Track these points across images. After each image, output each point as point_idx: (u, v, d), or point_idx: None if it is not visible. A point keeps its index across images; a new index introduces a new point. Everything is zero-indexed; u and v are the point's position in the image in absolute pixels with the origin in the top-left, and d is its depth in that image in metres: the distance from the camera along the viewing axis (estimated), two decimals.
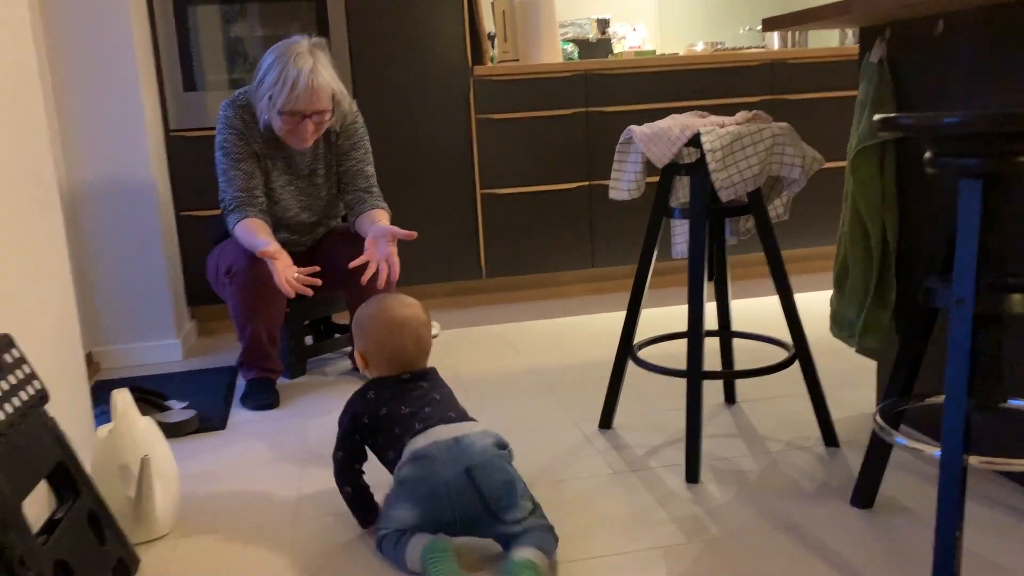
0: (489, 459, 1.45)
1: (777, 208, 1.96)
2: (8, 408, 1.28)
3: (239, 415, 2.32)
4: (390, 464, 1.54)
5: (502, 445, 1.51)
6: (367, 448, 1.60)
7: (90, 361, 2.80)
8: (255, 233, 2.23)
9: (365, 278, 2.08)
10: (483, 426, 1.53)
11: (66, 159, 2.74)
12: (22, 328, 1.51)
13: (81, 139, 2.74)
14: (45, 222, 1.69)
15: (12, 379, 1.33)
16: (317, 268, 2.12)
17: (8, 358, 1.35)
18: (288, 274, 2.07)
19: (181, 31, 3.01)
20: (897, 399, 1.53)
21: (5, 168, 1.51)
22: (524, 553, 1.37)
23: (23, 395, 1.34)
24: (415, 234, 2.10)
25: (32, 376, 1.40)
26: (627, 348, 1.98)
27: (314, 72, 2.23)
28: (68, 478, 1.42)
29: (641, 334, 2.88)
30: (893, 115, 1.30)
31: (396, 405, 1.56)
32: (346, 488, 1.60)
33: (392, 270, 2.14)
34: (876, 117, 1.34)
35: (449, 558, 1.38)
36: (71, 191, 2.76)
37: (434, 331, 3.03)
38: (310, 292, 2.06)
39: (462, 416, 1.55)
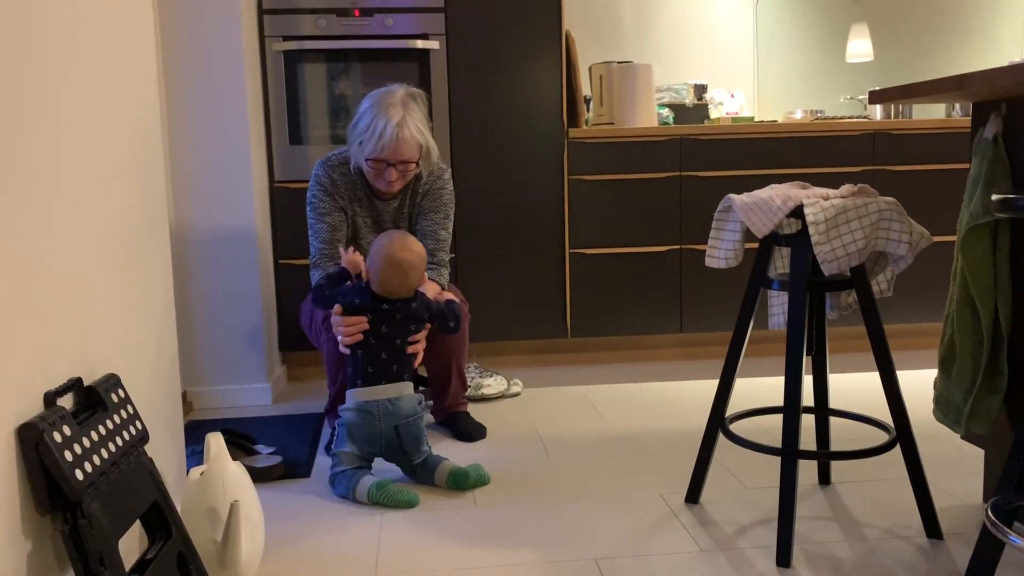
0: (409, 420, 2.10)
1: (881, 284, 1.90)
2: (112, 447, 1.32)
3: (324, 463, 2.34)
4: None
5: (420, 401, 2.14)
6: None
7: (184, 400, 2.88)
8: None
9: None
10: (409, 388, 2.13)
11: (176, 204, 2.87)
12: (126, 367, 1.57)
13: (191, 186, 2.87)
14: (156, 265, 1.76)
15: (117, 418, 1.38)
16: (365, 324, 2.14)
17: (114, 397, 1.40)
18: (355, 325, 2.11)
19: (290, 87, 3.14)
20: (1011, 494, 1.44)
21: (124, 212, 1.58)
22: (443, 465, 2.12)
23: (126, 435, 1.39)
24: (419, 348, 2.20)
25: (135, 416, 1.45)
26: (719, 420, 1.93)
27: (402, 124, 2.30)
28: (161, 519, 1.45)
29: (732, 403, 2.81)
30: (1013, 196, 1.25)
31: (369, 325, 2.11)
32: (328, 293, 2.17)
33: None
34: (994, 197, 1.29)
35: (389, 486, 2.03)
36: (178, 235, 2.88)
37: (516, 388, 3.02)
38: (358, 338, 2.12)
39: (400, 371, 2.12)
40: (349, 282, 2.22)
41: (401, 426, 2.09)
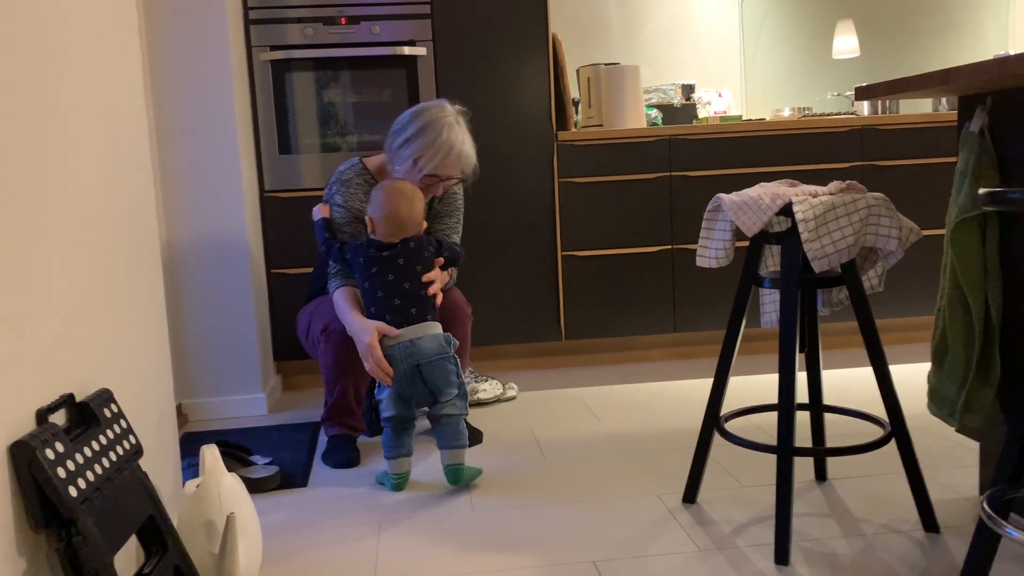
0: (432, 360, 2.12)
1: (872, 279, 1.91)
2: (105, 462, 1.32)
3: (320, 472, 2.34)
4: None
5: (448, 341, 2.14)
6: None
7: (179, 413, 2.87)
8: (350, 307, 2.27)
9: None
10: (434, 328, 2.15)
11: (166, 215, 2.87)
12: (119, 381, 1.56)
13: (181, 197, 2.86)
14: (147, 278, 1.75)
15: (110, 433, 1.38)
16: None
17: (107, 412, 1.40)
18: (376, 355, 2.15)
19: (278, 96, 3.14)
20: (1006, 486, 1.44)
21: (114, 225, 1.58)
22: (445, 460, 2.15)
23: (119, 449, 1.38)
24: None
25: (128, 431, 1.44)
26: (714, 419, 1.93)
27: (464, 143, 2.35)
28: (157, 533, 1.44)
29: (727, 402, 2.81)
30: (1000, 190, 1.26)
31: (375, 278, 2.17)
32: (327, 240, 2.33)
33: None
34: (982, 191, 1.29)
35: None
36: (169, 246, 2.88)
37: (511, 392, 3.02)
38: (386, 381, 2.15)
39: (420, 313, 2.15)
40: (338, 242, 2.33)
41: (423, 365, 2.11)
